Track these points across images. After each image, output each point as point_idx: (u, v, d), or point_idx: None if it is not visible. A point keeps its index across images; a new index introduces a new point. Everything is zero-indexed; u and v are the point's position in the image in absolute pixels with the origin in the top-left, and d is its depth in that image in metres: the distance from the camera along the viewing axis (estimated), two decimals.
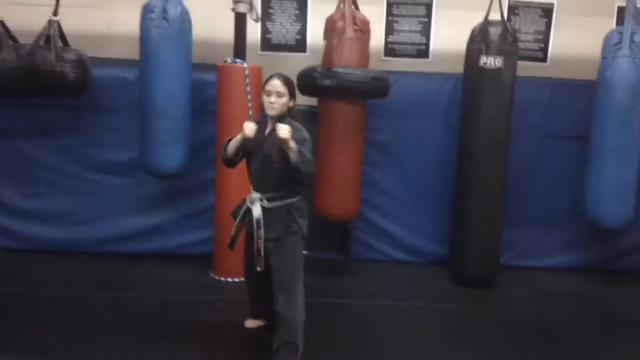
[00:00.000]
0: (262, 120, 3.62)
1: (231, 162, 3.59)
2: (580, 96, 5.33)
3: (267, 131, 3.51)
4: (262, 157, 3.47)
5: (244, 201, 3.57)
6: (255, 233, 3.44)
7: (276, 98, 3.45)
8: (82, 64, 4.79)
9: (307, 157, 3.34)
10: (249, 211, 3.51)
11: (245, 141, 3.44)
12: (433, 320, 4.47)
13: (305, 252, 3.64)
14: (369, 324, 4.31)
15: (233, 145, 3.48)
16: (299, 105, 5.30)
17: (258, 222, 3.42)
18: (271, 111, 3.47)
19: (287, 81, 3.52)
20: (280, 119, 3.47)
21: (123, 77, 5.17)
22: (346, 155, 4.92)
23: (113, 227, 5.33)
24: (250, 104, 4.73)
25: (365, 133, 5.13)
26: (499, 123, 4.91)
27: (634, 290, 5.23)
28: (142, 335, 3.89)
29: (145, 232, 5.33)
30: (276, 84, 3.47)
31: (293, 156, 3.26)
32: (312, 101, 5.18)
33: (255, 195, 3.49)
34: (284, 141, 3.24)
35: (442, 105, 5.42)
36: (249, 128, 3.40)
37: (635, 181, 4.96)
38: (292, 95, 3.55)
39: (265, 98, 3.49)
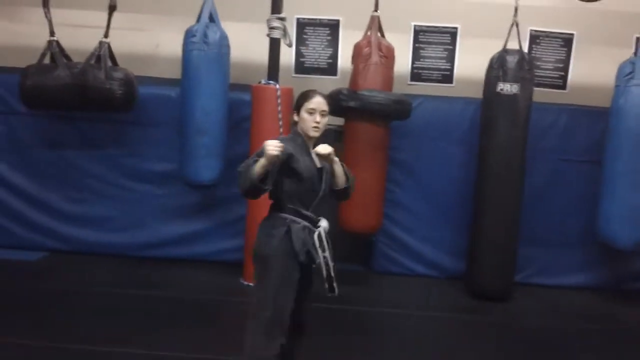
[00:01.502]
0: (288, 139, 3.15)
1: (257, 190, 2.98)
2: (596, 122, 5.53)
3: (313, 154, 3.13)
4: (324, 175, 3.14)
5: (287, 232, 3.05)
6: (323, 257, 3.05)
7: (321, 118, 3.12)
8: (129, 82, 5.20)
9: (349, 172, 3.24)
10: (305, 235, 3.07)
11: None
12: (446, 329, 4.77)
13: None
14: (386, 330, 4.62)
15: (260, 169, 2.89)
16: (329, 125, 5.73)
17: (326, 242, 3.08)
18: (314, 132, 3.12)
19: (327, 99, 3.22)
20: (319, 140, 3.15)
21: (166, 94, 5.59)
22: (370, 172, 5.23)
23: (151, 233, 5.72)
24: (281, 122, 5.08)
25: (389, 152, 5.44)
26: (514, 145, 5.16)
27: None
28: (173, 327, 4.28)
29: (181, 239, 5.70)
30: (321, 103, 3.13)
31: (340, 170, 3.17)
32: (339, 120, 5.52)
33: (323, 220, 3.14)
34: (329, 156, 3.04)
35: (463, 128, 5.69)
36: (275, 147, 2.84)
37: None
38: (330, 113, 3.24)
39: (306, 117, 3.10)
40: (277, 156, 2.86)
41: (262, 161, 2.86)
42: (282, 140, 2.99)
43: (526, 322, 4.99)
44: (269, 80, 5.21)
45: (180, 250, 5.72)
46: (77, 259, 5.58)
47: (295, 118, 3.19)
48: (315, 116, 3.10)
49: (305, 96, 3.16)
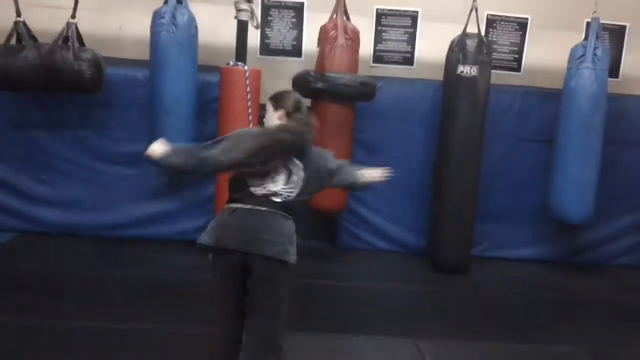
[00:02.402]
0: None
1: None
2: (549, 103, 5.82)
3: None
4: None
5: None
6: None
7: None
8: (97, 63, 5.20)
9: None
10: None
11: None
12: (409, 299, 5.01)
13: None
14: (351, 301, 4.82)
15: None
16: None
17: None
18: None
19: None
20: None
21: (133, 76, 5.63)
22: (336, 153, 5.31)
23: (121, 213, 5.78)
24: (249, 104, 5.19)
25: (353, 133, 5.62)
26: (474, 126, 5.42)
27: (591, 280, 5.78)
28: (141, 302, 4.42)
29: (150, 219, 5.78)
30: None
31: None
32: (306, 102, 5.65)
33: None
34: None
35: (424, 109, 5.91)
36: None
37: (595, 181, 5.48)
38: (276, 108, 3.19)
39: None
40: None
41: None
42: None
43: (484, 292, 5.29)
44: (237, 61, 5.31)
45: (150, 230, 5.80)
46: (47, 240, 5.61)
47: (277, 117, 3.11)
48: None
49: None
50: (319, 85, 5.19)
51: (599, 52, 5.37)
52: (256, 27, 5.50)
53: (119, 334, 3.90)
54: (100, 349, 3.71)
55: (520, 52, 6.21)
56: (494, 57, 5.82)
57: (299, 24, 6.05)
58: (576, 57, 5.43)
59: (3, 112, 5.66)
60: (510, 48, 6.21)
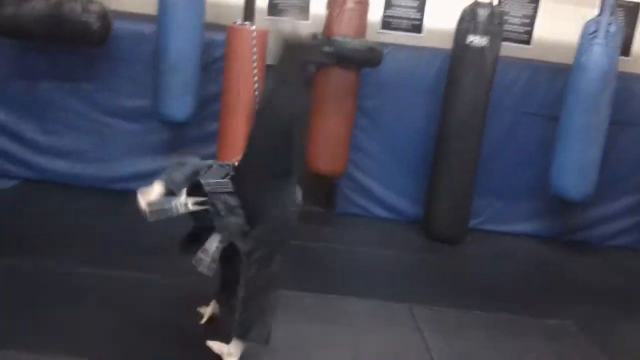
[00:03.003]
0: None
1: None
2: (556, 78, 5.78)
3: None
4: None
5: None
6: None
7: None
8: (105, 16, 5.20)
9: None
10: None
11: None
12: (403, 266, 5.09)
13: None
14: (347, 266, 4.91)
15: None
16: None
17: None
18: None
19: None
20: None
21: (140, 31, 5.59)
22: (338, 118, 5.41)
23: (123, 167, 5.80)
24: (255, 64, 5.18)
25: (357, 99, 5.60)
26: (478, 97, 5.39)
27: (585, 259, 5.80)
28: (140, 251, 4.51)
29: (151, 174, 5.73)
30: None
31: None
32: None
33: None
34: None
35: (429, 79, 5.86)
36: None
37: (597, 160, 5.45)
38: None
39: None
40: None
41: None
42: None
43: (478, 263, 5.36)
44: (245, 21, 5.28)
45: (148, 185, 5.81)
46: (49, 189, 5.65)
47: None
48: None
49: None
50: (326, 49, 5.15)
51: (612, 28, 5.28)
52: None
53: (113, 282, 4.01)
54: (93, 294, 3.84)
55: (531, 24, 6.13)
56: (505, 28, 5.75)
57: None
58: (588, 33, 5.34)
59: (10, 61, 5.64)
60: (522, 20, 6.13)
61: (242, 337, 3.17)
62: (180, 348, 3.36)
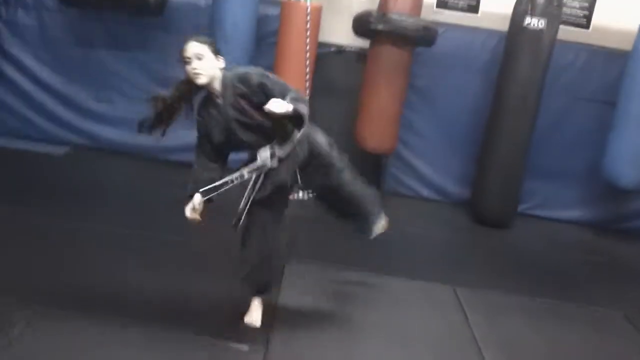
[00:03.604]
0: (203, 105, 3.12)
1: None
2: (613, 64, 5.66)
3: (221, 101, 3.02)
4: (239, 126, 3.03)
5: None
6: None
7: (199, 62, 2.94)
8: None
9: (298, 100, 2.89)
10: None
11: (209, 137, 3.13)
12: (449, 248, 5.09)
13: None
14: (392, 245, 4.80)
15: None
16: (350, 46, 5.82)
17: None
18: (199, 79, 2.96)
19: (204, 40, 3.00)
20: (213, 81, 2.99)
21: (195, 3, 5.67)
22: (389, 95, 5.39)
23: (173, 138, 5.84)
24: (308, 40, 5.18)
25: (409, 78, 5.56)
26: (533, 80, 5.30)
27: (636, 248, 5.69)
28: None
29: None
30: (193, 46, 2.94)
31: (293, 110, 2.84)
32: (362, 43, 5.62)
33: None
34: (282, 115, 2.83)
35: (483, 60, 5.80)
36: (192, 213, 3.05)
37: None
38: (216, 53, 3.00)
39: (187, 68, 2.97)
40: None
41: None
42: (200, 115, 3.14)
43: (526, 248, 5.29)
44: None
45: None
46: (100, 155, 5.82)
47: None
48: (192, 63, 2.93)
49: (180, 50, 2.99)
50: (380, 26, 5.12)
51: None
52: None
53: (158, 243, 4.16)
54: (138, 253, 3.99)
55: (591, 8, 5.99)
56: (564, 11, 5.63)
57: None
58: None
59: (68, 28, 5.79)
60: (581, 4, 5.98)
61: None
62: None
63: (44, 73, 5.87)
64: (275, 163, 3.07)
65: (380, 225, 3.71)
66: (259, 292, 3.37)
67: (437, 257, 4.83)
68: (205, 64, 2.94)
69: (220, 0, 5.24)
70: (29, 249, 3.82)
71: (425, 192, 6.10)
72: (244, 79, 2.96)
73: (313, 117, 3.49)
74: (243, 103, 2.96)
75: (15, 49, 5.85)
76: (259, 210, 3.20)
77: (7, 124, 5.95)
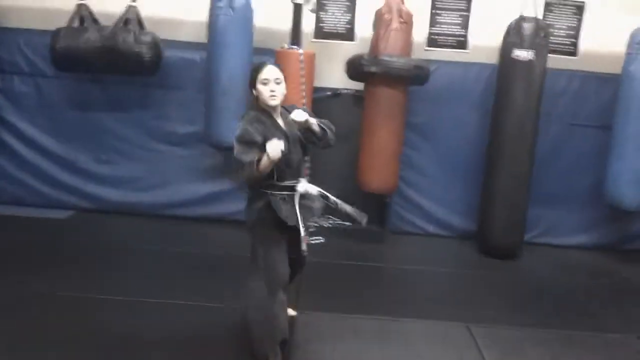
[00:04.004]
0: (253, 118, 3.23)
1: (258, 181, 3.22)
2: (606, 88, 5.73)
3: (280, 121, 3.29)
4: (297, 143, 3.32)
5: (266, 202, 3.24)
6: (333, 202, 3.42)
7: (276, 85, 3.20)
8: (156, 45, 5.37)
9: (326, 121, 3.36)
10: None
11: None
12: (458, 283, 5.06)
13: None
14: (401, 285, 4.89)
15: (267, 166, 3.05)
16: (346, 89, 5.93)
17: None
18: (272, 101, 3.20)
19: (280, 67, 3.30)
20: (279, 108, 3.29)
21: (190, 58, 5.75)
22: (388, 135, 5.43)
23: (176, 193, 5.94)
24: (303, 87, 5.25)
25: (406, 116, 5.61)
26: (528, 110, 5.36)
27: None
28: (195, 277, 4.62)
29: (204, 199, 5.92)
30: (273, 71, 3.22)
31: (317, 127, 3.26)
32: (358, 85, 5.70)
33: (304, 182, 3.33)
34: (305, 122, 3.18)
35: (477, 93, 5.88)
36: (276, 149, 2.99)
37: None
38: (285, 81, 3.29)
39: (262, 88, 3.19)
40: (279, 156, 3.01)
41: (266, 161, 3.01)
42: (252, 122, 3.16)
43: (535, 278, 5.27)
44: (292, 44, 5.37)
45: (204, 210, 5.94)
46: (104, 217, 5.81)
47: (254, 93, 3.25)
48: (269, 85, 3.18)
49: (257, 69, 3.24)
50: (373, 68, 5.20)
51: None
52: (312, 11, 5.56)
53: (171, 309, 4.06)
54: (148, 320, 3.89)
55: (576, 36, 6.09)
56: (551, 41, 5.73)
57: (352, 8, 6.03)
58: (636, 42, 5.30)
59: (65, 93, 5.86)
60: (567, 32, 6.09)
61: None
62: None
63: (44, 139, 5.91)
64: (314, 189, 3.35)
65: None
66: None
67: (448, 294, 4.79)
68: (281, 88, 3.23)
69: (215, 55, 5.33)
70: (37, 316, 3.81)
71: (430, 228, 6.10)
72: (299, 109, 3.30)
73: (313, 162, 3.57)
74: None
75: (14, 117, 5.91)
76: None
77: (10, 192, 5.97)
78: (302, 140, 3.33)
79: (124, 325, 3.79)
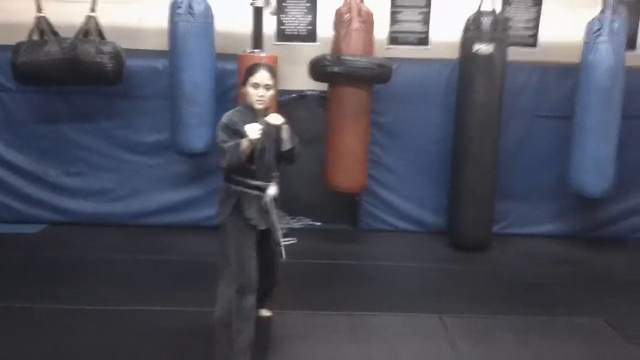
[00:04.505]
0: (241, 113, 3.39)
1: (242, 167, 3.31)
2: (566, 79, 5.83)
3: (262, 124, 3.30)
4: (268, 149, 3.37)
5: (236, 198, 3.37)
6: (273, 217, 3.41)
7: (265, 91, 3.30)
8: (118, 55, 5.33)
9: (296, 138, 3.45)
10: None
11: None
12: (431, 277, 5.13)
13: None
14: (375, 281, 4.96)
15: (246, 149, 3.18)
16: (311, 90, 5.96)
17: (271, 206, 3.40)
18: (259, 105, 3.31)
19: (272, 71, 3.39)
20: (266, 110, 3.36)
21: (153, 66, 5.75)
22: (354, 135, 5.48)
23: (146, 202, 5.94)
24: None
25: (371, 116, 5.66)
26: (490, 104, 5.44)
27: (611, 254, 5.80)
28: (169, 287, 4.62)
29: (174, 206, 5.93)
30: (265, 77, 3.31)
31: (287, 136, 3.36)
32: (322, 86, 5.75)
33: (271, 186, 3.39)
34: (279, 126, 3.29)
35: (440, 89, 5.94)
36: (254, 131, 3.14)
37: (613, 156, 5.47)
38: (275, 86, 3.43)
39: (251, 91, 3.30)
40: (259, 139, 3.16)
41: (245, 143, 3.15)
42: (236, 113, 3.35)
43: (505, 268, 5.35)
44: (254, 48, 5.39)
45: (174, 218, 5.94)
46: (76, 230, 5.78)
47: (243, 90, 3.39)
48: (259, 90, 3.29)
49: (250, 71, 3.35)
50: (336, 69, 5.24)
51: (615, 25, 5.34)
52: (272, 14, 5.61)
53: (145, 316, 4.09)
54: (127, 329, 3.91)
55: (536, 27, 6.19)
56: (511, 33, 5.82)
57: (313, 9, 6.08)
58: (592, 32, 5.40)
59: (29, 107, 5.81)
60: (526, 25, 6.19)
61: None
62: None
63: (11, 154, 5.86)
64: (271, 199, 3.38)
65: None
66: None
67: (421, 288, 4.87)
68: (269, 94, 3.33)
69: (178, 62, 5.33)
70: (12, 334, 3.81)
71: (401, 224, 6.16)
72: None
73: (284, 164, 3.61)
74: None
75: None
76: None
77: None
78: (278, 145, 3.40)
79: (101, 334, 3.82)
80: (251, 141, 3.14)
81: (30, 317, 4.01)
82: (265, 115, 3.30)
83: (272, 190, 3.36)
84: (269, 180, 3.39)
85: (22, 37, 5.33)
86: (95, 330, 3.88)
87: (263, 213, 3.36)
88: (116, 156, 5.89)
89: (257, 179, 3.35)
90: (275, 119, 3.26)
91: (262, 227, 3.38)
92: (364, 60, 5.28)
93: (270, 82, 3.31)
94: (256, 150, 3.24)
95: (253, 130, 3.12)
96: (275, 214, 3.39)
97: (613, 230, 6.16)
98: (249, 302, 3.35)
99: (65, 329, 3.88)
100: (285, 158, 3.47)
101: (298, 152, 3.48)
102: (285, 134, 3.34)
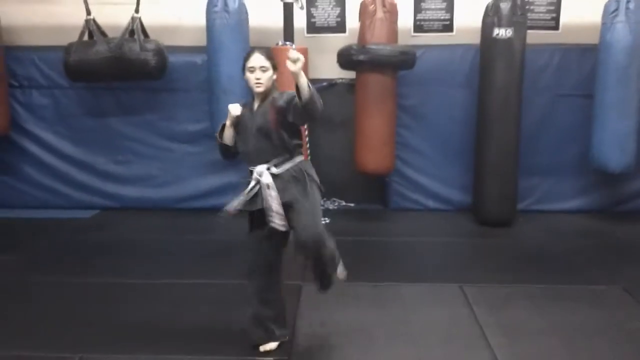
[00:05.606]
0: (247, 102, 3.42)
1: (228, 151, 3.43)
2: (586, 58, 6.04)
3: (256, 107, 3.32)
4: (256, 131, 3.25)
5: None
6: (267, 197, 3.26)
7: (262, 73, 3.23)
8: (160, 52, 5.77)
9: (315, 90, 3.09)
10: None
11: (236, 123, 3.31)
12: (454, 250, 5.42)
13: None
14: (403, 255, 5.25)
15: (227, 133, 3.32)
16: (341, 78, 6.26)
17: (268, 185, 3.23)
18: (257, 88, 3.25)
19: (268, 54, 3.30)
20: (267, 95, 3.29)
21: (192, 61, 6.18)
22: (381, 119, 5.79)
23: (188, 187, 6.40)
24: None
25: (397, 99, 5.97)
26: (511, 85, 5.68)
27: (632, 227, 5.96)
28: (210, 263, 4.99)
29: (214, 191, 6.30)
30: (259, 59, 3.23)
31: (304, 83, 3.02)
32: (351, 75, 6.06)
33: (260, 167, 3.26)
34: (295, 60, 2.97)
35: (463, 73, 6.20)
36: (234, 108, 3.28)
37: (634, 131, 5.66)
38: (275, 68, 3.31)
39: (249, 75, 3.24)
40: (237, 116, 3.27)
41: (227, 123, 3.32)
42: (243, 105, 3.37)
43: (527, 242, 5.58)
44: (286, 41, 5.74)
45: (214, 201, 6.25)
46: (125, 214, 6.29)
47: (244, 78, 3.32)
48: (255, 73, 3.22)
49: (246, 56, 3.29)
50: (361, 57, 5.56)
51: (631, 5, 5.53)
52: (300, 8, 5.91)
53: (185, 288, 4.48)
54: (170, 300, 4.28)
55: (557, 10, 6.37)
56: (532, 17, 6.08)
57: (342, 1, 6.38)
58: (609, 12, 5.61)
59: (80, 102, 6.33)
60: (548, 7, 6.37)
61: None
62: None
63: (64, 145, 6.40)
64: (267, 179, 3.23)
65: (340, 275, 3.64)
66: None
67: (444, 261, 5.15)
68: (267, 76, 3.25)
69: (215, 57, 5.72)
70: (73, 305, 4.20)
71: (429, 203, 6.45)
72: (286, 94, 3.25)
73: (315, 149, 3.74)
74: (271, 110, 3.23)
75: (35, 127, 6.39)
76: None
77: (36, 197, 6.45)
78: (270, 130, 3.23)
79: (148, 305, 4.19)
80: (230, 119, 3.26)
81: (85, 290, 4.43)
82: (266, 100, 3.27)
83: (266, 176, 3.24)
84: (257, 164, 3.27)
85: (73, 38, 5.82)
86: (143, 301, 4.26)
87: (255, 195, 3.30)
88: (160, 145, 6.35)
89: (249, 163, 3.34)
90: (294, 54, 2.98)
91: (250, 209, 3.38)
92: (387, 48, 5.58)
93: (265, 63, 3.22)
94: (237, 133, 3.30)
95: (233, 108, 3.27)
96: (272, 195, 3.25)
97: (636, 203, 6.32)
98: (253, 285, 3.55)
99: (115, 300, 4.27)
100: (306, 112, 3.09)
101: (320, 105, 3.11)
102: (302, 79, 3.02)
